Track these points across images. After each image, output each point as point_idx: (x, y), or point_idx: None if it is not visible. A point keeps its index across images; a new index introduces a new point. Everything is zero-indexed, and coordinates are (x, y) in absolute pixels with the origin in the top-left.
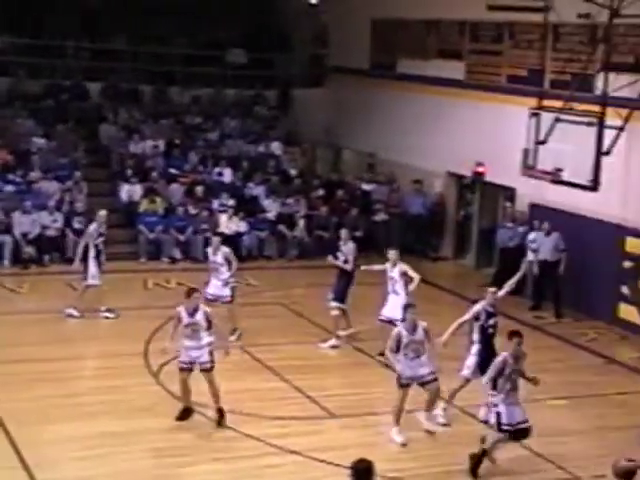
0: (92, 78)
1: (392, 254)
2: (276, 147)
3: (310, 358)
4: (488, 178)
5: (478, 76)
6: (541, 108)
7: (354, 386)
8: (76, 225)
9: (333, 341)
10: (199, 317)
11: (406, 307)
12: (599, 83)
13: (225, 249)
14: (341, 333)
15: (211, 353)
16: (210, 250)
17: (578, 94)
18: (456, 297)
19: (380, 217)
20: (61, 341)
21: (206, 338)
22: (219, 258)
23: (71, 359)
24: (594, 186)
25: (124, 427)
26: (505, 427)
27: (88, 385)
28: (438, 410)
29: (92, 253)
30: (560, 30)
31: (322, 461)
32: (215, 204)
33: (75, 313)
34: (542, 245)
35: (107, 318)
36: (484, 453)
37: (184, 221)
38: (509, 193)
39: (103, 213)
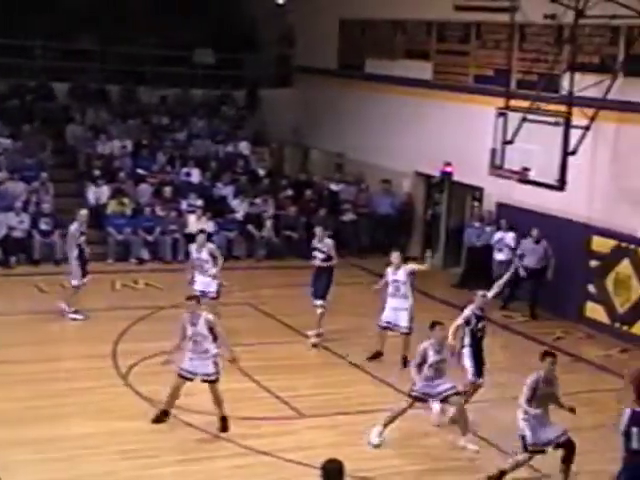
0: (59, 78)
1: (395, 257)
2: (244, 147)
3: (279, 358)
4: (456, 178)
5: (445, 76)
6: (508, 108)
7: (324, 386)
8: (43, 226)
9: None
10: (200, 327)
11: (434, 325)
12: (565, 83)
13: (210, 245)
14: (309, 333)
15: (216, 364)
16: (194, 247)
17: (544, 94)
18: (423, 296)
19: (348, 217)
20: (29, 343)
21: (212, 350)
22: (204, 254)
23: (39, 361)
24: (561, 185)
25: (94, 429)
26: (530, 447)
27: (57, 387)
28: (437, 408)
29: (74, 253)
30: (526, 30)
31: (292, 461)
32: (183, 204)
33: (74, 315)
34: (530, 253)
35: (75, 320)
36: (502, 474)
37: (152, 222)
38: (477, 193)
39: (84, 212)
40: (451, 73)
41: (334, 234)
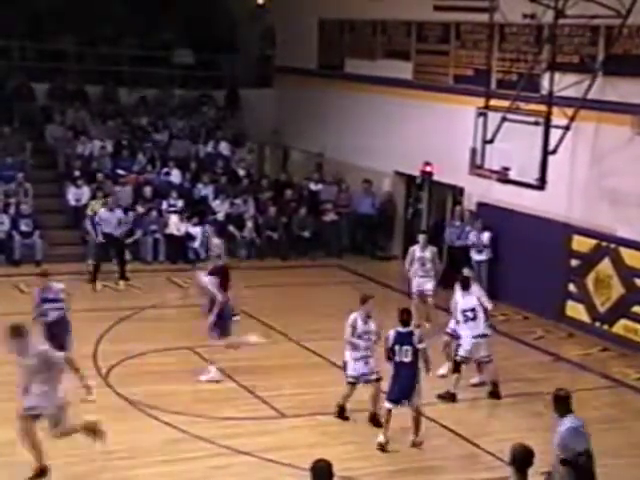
0: (38, 78)
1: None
2: (224, 147)
3: (260, 359)
4: (436, 177)
5: (426, 76)
6: (488, 108)
7: (304, 386)
8: (23, 227)
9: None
10: (372, 325)
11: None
12: (545, 83)
13: (432, 248)
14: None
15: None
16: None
17: (524, 94)
18: (405, 295)
19: (329, 217)
20: None
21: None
22: (427, 253)
23: None
24: (541, 185)
25: None
26: None
27: None
28: None
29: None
30: (506, 30)
31: (273, 461)
32: (164, 205)
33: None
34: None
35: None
36: None
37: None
38: (457, 192)
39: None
40: (431, 73)
41: (314, 234)
